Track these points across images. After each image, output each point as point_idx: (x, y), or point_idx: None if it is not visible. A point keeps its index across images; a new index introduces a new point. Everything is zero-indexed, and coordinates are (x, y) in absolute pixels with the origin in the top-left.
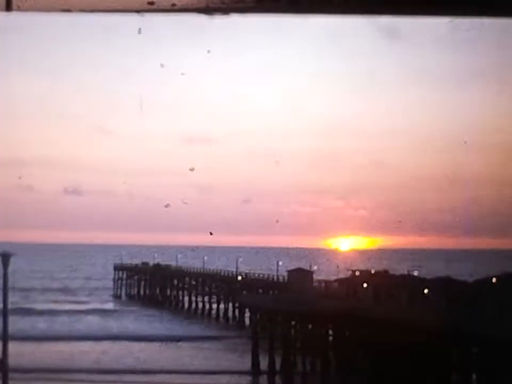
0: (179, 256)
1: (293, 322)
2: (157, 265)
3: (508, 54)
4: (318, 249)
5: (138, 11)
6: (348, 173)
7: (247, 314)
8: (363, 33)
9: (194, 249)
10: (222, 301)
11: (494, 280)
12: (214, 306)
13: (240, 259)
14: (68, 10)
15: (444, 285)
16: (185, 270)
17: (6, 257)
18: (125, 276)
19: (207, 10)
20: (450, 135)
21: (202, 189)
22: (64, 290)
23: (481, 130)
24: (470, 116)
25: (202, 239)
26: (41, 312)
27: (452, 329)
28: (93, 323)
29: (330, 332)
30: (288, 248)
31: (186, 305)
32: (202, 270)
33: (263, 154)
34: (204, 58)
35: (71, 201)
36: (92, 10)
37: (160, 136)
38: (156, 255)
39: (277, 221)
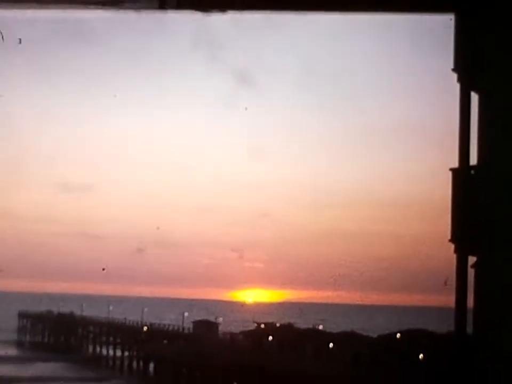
0: (84, 305)
1: (197, 374)
2: (62, 314)
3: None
4: (224, 301)
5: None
6: (238, 227)
7: (152, 365)
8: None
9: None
10: (126, 351)
11: (398, 335)
12: (119, 356)
13: (145, 309)
14: None
15: (348, 339)
16: (90, 319)
17: None
18: (29, 323)
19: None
20: (341, 190)
21: (90, 237)
22: None
23: (370, 185)
24: (360, 170)
25: (102, 288)
26: None
27: None
28: None
29: None
30: (193, 300)
31: (90, 355)
32: (107, 320)
33: (157, 205)
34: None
35: None
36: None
37: (38, 184)
38: (61, 303)
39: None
